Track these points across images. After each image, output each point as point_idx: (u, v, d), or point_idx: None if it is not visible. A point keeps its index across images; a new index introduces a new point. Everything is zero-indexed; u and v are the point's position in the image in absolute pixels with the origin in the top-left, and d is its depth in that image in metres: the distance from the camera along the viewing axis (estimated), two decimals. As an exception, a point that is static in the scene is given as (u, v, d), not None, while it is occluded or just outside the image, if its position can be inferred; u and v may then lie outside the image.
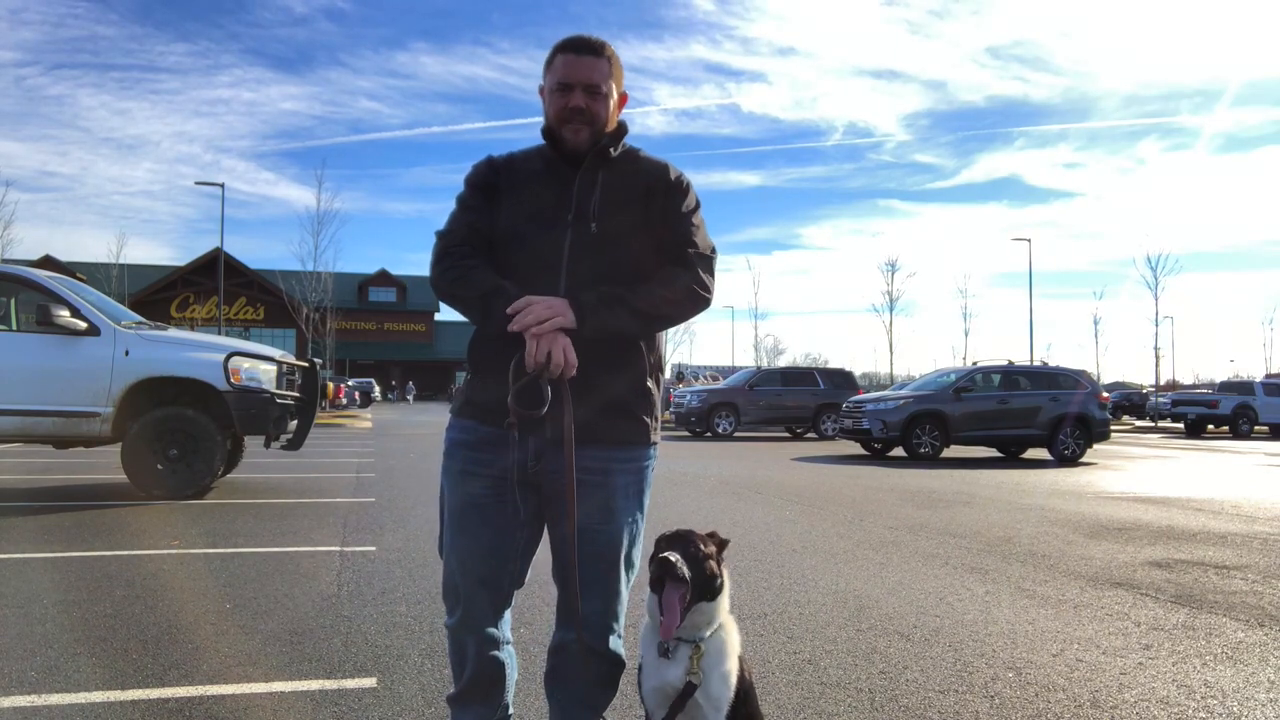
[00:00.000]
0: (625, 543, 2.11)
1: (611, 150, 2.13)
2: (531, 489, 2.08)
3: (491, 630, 2.16)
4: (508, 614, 2.23)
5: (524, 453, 2.04)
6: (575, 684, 2.15)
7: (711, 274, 2.13)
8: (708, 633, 1.98)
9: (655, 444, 2.17)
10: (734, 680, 2.00)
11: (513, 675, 2.23)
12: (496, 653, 2.18)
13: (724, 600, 2.02)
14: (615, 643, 2.14)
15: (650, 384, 2.14)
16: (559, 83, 2.06)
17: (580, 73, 2.05)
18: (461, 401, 2.17)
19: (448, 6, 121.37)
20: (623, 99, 2.16)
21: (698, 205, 2.19)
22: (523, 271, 2.04)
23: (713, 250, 2.16)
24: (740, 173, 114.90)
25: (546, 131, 2.13)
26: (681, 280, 2.06)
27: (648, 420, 2.13)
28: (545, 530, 2.17)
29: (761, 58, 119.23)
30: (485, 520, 2.08)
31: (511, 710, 2.25)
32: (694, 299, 2.08)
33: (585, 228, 2.05)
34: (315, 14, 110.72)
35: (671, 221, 2.12)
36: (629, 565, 2.12)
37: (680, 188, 2.15)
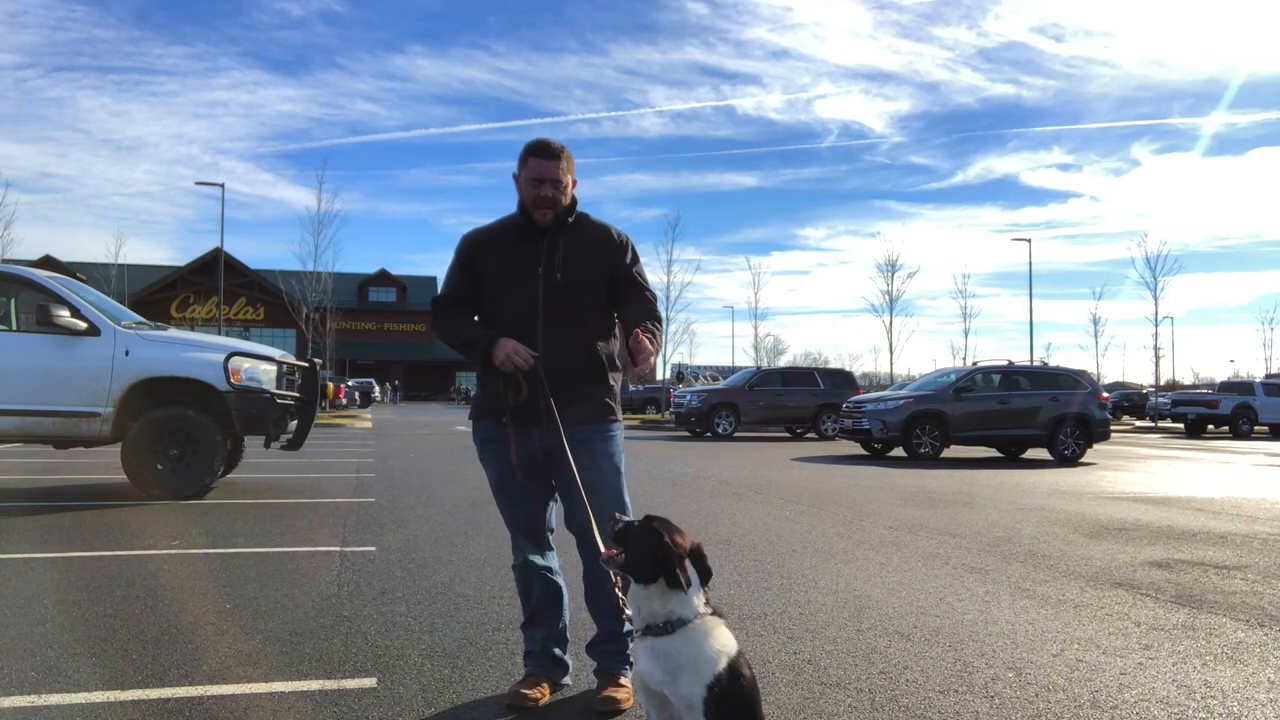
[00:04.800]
0: (615, 484, 2.95)
1: (569, 219, 2.96)
2: (542, 465, 2.94)
3: (541, 562, 3.04)
4: (553, 554, 3.10)
5: (530, 441, 2.90)
6: (605, 597, 2.83)
7: (657, 307, 3.07)
8: (640, 623, 2.15)
9: (619, 418, 3.06)
10: (706, 679, 2.03)
11: (566, 599, 3.09)
12: (551, 577, 3.05)
13: (659, 596, 2.12)
14: None
15: (610, 380, 3.02)
16: (532, 178, 2.88)
17: (547, 172, 2.88)
18: (478, 411, 3.04)
19: (443, 10, 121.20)
20: (573, 184, 2.98)
21: (637, 255, 3.07)
22: (509, 310, 2.92)
23: (654, 294, 3.09)
24: (736, 174, 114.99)
25: (521, 208, 2.95)
26: (655, 312, 2.99)
27: (611, 402, 3.02)
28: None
29: (755, 61, 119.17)
30: (513, 489, 2.98)
31: (566, 626, 3.10)
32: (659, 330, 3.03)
33: (552, 278, 2.90)
34: (312, 17, 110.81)
35: (622, 273, 2.99)
36: (618, 504, 2.88)
37: (624, 245, 3.02)
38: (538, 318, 2.87)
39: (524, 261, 2.90)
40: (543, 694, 2.94)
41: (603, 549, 2.38)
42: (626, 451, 3.12)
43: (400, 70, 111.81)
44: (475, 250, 2.99)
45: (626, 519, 2.30)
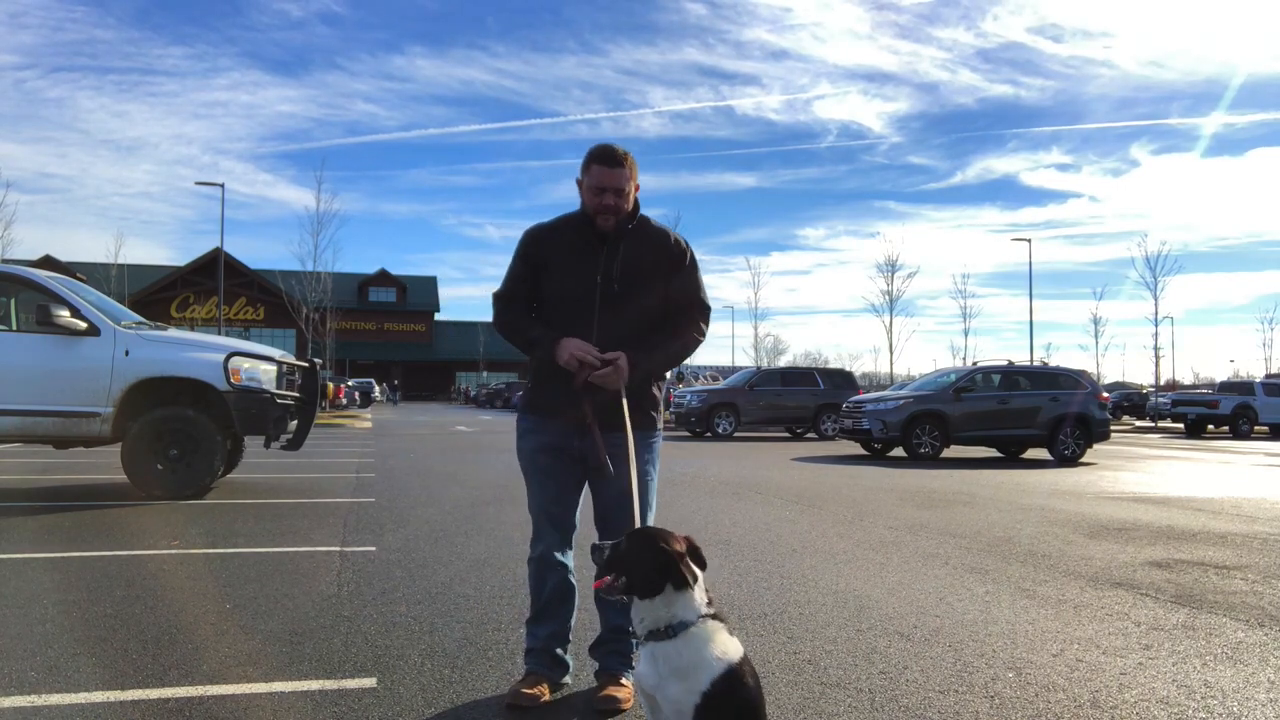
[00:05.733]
0: (648, 490, 2.99)
1: (630, 226, 2.97)
2: (578, 461, 2.98)
3: (560, 558, 3.04)
4: (572, 553, 3.10)
5: (572, 439, 2.94)
6: None
7: (708, 320, 3.11)
8: (643, 630, 2.15)
9: (660, 429, 3.14)
10: (702, 685, 2.02)
11: (575, 602, 3.09)
12: (567, 575, 3.06)
13: (664, 603, 2.12)
14: None
15: (654, 390, 3.10)
16: (595, 186, 2.88)
17: (610, 180, 2.87)
18: (527, 402, 3.11)
19: (442, 10, 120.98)
20: (636, 188, 2.97)
21: (695, 262, 3.06)
22: (565, 314, 2.96)
23: (709, 304, 3.10)
24: (736, 174, 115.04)
25: (583, 211, 2.97)
26: (689, 334, 3.02)
27: (654, 414, 3.10)
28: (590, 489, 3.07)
29: (754, 61, 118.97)
30: (549, 476, 3.03)
31: (571, 628, 3.11)
32: (695, 344, 3.05)
33: (610, 286, 2.93)
34: (311, 18, 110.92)
35: (677, 281, 3.01)
36: (649, 506, 2.97)
37: (682, 252, 3.03)
38: (594, 323, 2.91)
39: (584, 266, 2.94)
40: (543, 693, 2.94)
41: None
42: None
43: (400, 71, 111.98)
44: (536, 248, 3.03)
45: (609, 543, 2.28)
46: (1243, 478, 12.55)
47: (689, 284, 3.03)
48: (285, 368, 8.63)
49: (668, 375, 3.47)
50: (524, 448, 3.10)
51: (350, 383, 42.12)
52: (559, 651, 3.06)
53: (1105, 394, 17.32)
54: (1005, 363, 17.28)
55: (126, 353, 7.77)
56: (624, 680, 2.95)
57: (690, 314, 3.03)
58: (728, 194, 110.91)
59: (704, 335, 3.07)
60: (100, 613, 4.00)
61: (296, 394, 8.82)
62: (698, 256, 3.07)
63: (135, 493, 7.81)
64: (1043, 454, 15.54)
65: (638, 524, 2.65)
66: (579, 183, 2.96)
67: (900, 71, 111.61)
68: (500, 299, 3.09)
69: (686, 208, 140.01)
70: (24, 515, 6.85)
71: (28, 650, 3.40)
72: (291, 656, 3.41)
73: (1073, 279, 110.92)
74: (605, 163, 2.88)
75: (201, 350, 8.16)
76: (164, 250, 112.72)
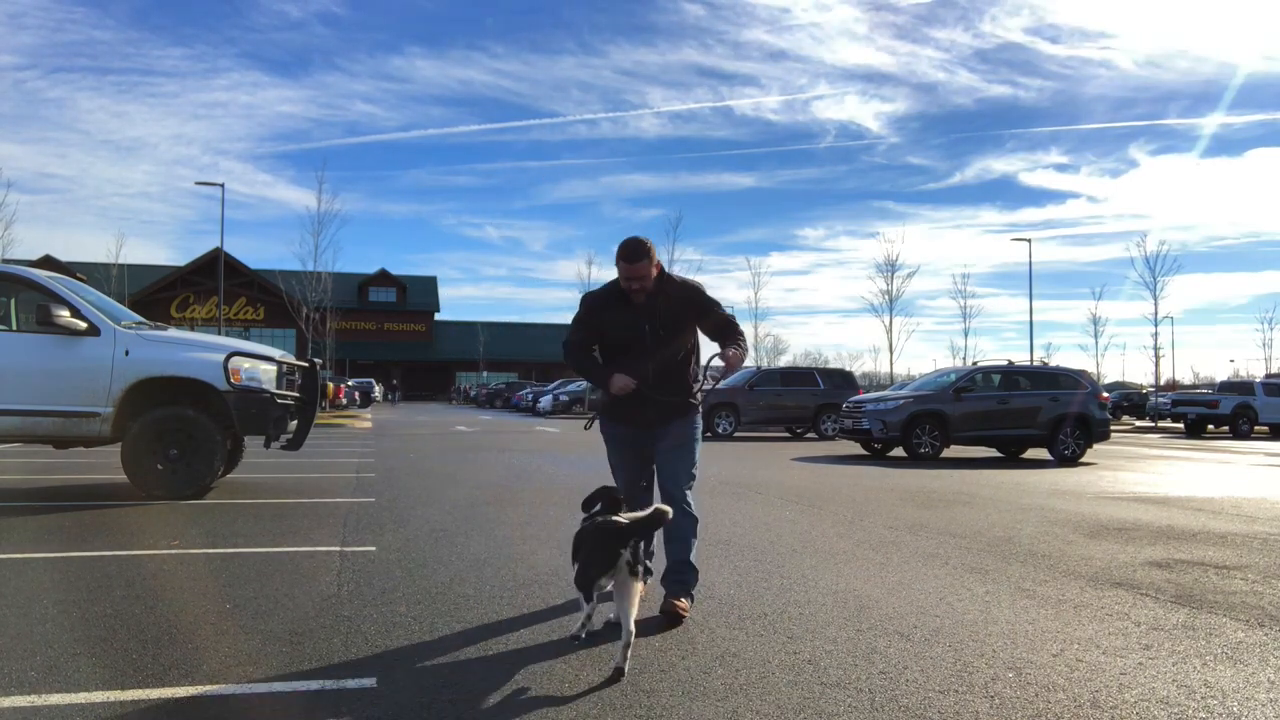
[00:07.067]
0: (694, 457, 4.24)
1: (659, 284, 4.06)
2: (648, 447, 4.24)
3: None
4: (650, 498, 4.24)
5: (639, 429, 4.20)
6: (678, 532, 4.06)
7: (739, 324, 4.25)
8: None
9: (699, 410, 4.32)
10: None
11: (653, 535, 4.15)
12: None
13: None
14: (690, 507, 4.13)
15: (694, 388, 4.29)
16: (624, 277, 4.02)
17: (633, 272, 3.99)
18: (603, 410, 4.30)
19: (441, 11, 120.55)
20: (656, 266, 4.06)
21: (703, 291, 4.22)
22: (623, 355, 4.13)
23: (733, 315, 4.29)
24: (735, 174, 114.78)
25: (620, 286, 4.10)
26: (739, 339, 4.17)
27: (694, 401, 4.26)
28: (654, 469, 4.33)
29: (753, 62, 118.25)
30: (628, 459, 4.30)
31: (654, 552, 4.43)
32: (745, 341, 4.22)
33: (655, 329, 4.07)
34: (310, 19, 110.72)
35: (707, 314, 4.19)
36: (695, 463, 4.25)
37: (702, 295, 4.20)
38: (648, 357, 4.08)
39: (631, 321, 4.09)
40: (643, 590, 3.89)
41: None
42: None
43: (399, 71, 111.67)
44: (594, 315, 4.21)
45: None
46: (1243, 478, 12.55)
47: (714, 310, 4.19)
48: (285, 368, 8.63)
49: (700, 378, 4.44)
50: (609, 436, 4.31)
51: (350, 383, 42.09)
52: (647, 563, 4.00)
53: (1105, 394, 17.31)
54: (1005, 363, 17.27)
55: (126, 353, 7.77)
56: (682, 600, 4.03)
57: (729, 327, 4.18)
58: (727, 194, 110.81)
59: (744, 335, 4.24)
60: (100, 613, 4.00)
61: (296, 394, 8.81)
62: (701, 278, 4.18)
63: (135, 493, 7.81)
64: (1043, 454, 15.54)
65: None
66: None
67: (898, 72, 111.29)
68: (570, 346, 4.24)
69: (686, 208, 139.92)
70: (24, 515, 6.85)
71: (28, 650, 3.41)
72: (291, 656, 3.41)
73: (1072, 279, 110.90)
74: (627, 260, 3.97)
75: (201, 350, 8.15)
76: (164, 250, 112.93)
